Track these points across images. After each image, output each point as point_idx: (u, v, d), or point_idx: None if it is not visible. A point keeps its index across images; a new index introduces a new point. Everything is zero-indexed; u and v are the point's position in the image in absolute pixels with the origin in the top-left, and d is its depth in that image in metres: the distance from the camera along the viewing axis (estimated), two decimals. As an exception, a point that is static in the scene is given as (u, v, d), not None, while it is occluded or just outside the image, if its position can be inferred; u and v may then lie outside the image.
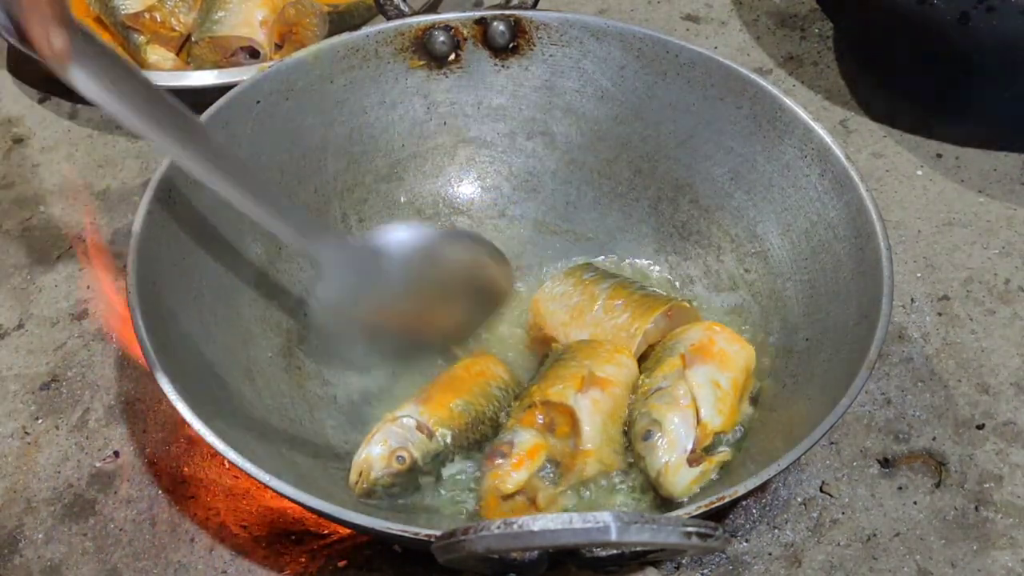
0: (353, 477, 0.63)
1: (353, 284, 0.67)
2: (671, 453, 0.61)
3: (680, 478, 0.61)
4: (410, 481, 0.63)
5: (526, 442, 0.62)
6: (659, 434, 0.62)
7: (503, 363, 0.70)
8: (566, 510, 0.63)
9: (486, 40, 0.79)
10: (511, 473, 0.61)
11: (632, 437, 0.64)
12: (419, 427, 0.64)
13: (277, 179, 0.75)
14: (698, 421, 0.62)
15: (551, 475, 0.62)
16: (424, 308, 0.72)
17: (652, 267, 0.78)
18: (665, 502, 0.62)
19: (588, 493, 0.63)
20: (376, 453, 0.62)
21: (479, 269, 0.73)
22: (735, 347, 0.67)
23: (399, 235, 0.69)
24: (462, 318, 0.73)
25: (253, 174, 0.64)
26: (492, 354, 0.71)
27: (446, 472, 0.65)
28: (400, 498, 0.63)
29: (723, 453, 0.62)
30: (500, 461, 0.62)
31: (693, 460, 0.61)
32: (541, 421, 0.64)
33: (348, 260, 0.67)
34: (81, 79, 0.56)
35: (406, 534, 0.53)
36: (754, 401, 0.67)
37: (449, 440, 0.64)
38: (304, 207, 0.68)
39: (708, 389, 0.63)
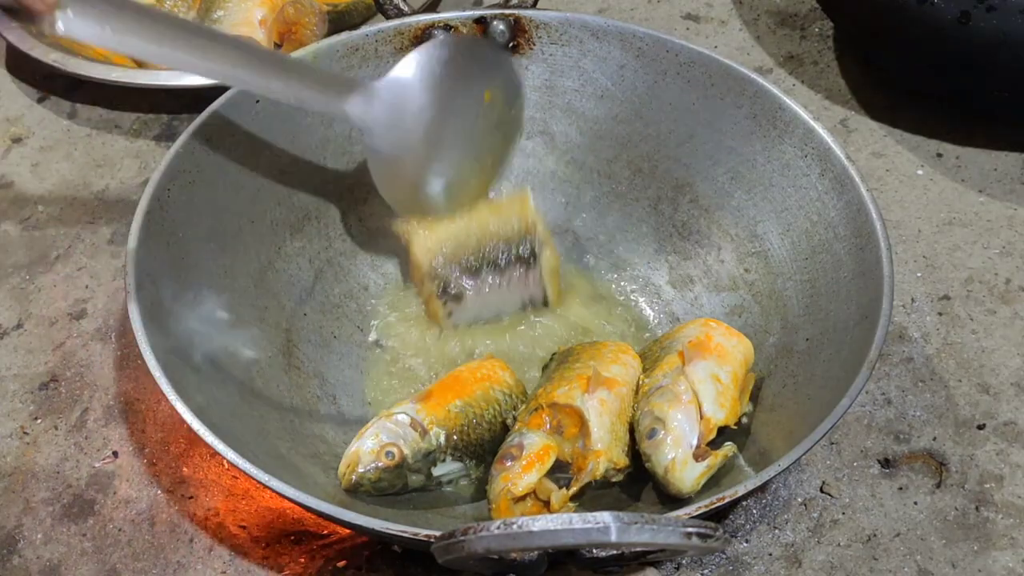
0: (342, 469, 0.63)
1: (396, 129, 0.68)
2: (676, 449, 0.61)
3: (687, 474, 0.60)
4: (398, 478, 0.63)
5: (535, 444, 0.62)
6: (663, 431, 0.62)
7: (509, 368, 0.70)
8: (580, 508, 0.62)
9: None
10: (522, 475, 0.61)
11: (637, 437, 0.63)
12: (413, 424, 0.64)
13: (277, 178, 0.75)
14: (701, 416, 0.62)
15: (562, 477, 0.62)
16: (465, 129, 0.72)
17: (652, 268, 0.78)
18: (670, 500, 0.62)
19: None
20: (366, 447, 0.63)
21: (495, 72, 0.73)
22: (732, 341, 0.67)
23: (410, 63, 0.68)
24: (497, 137, 0.74)
25: (260, 53, 0.64)
26: (499, 359, 0.71)
27: (436, 472, 0.65)
28: (387, 494, 0.63)
29: (728, 447, 0.62)
30: (510, 463, 0.61)
31: (699, 455, 0.61)
32: (549, 423, 0.63)
33: (384, 106, 0.67)
34: (72, 24, 0.55)
35: (406, 534, 0.53)
36: (753, 397, 0.67)
37: (442, 440, 0.64)
38: (316, 69, 0.67)
39: (709, 384, 0.63)
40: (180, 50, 0.59)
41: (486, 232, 0.74)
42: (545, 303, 0.74)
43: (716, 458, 0.61)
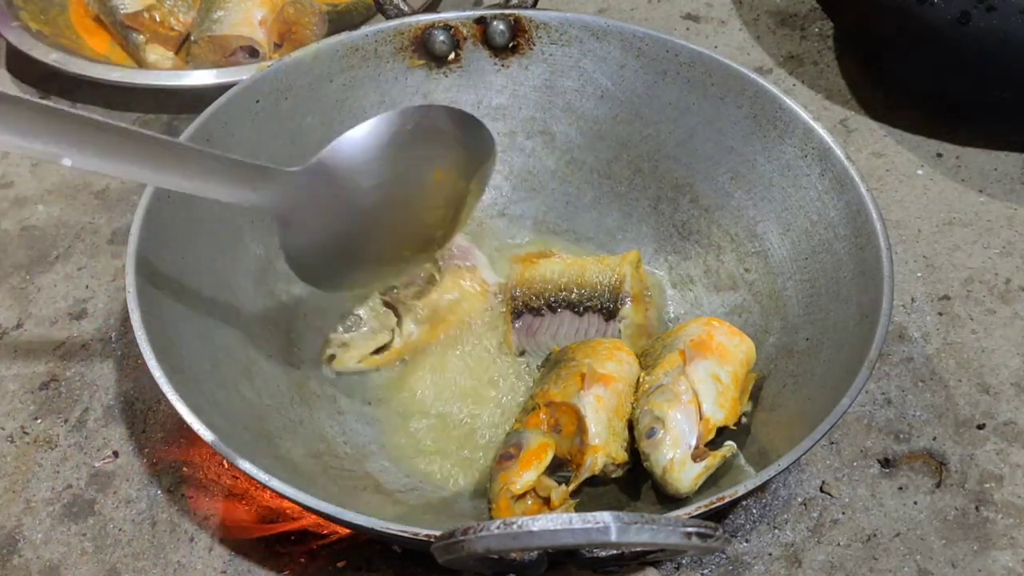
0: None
1: (319, 219, 0.60)
2: (675, 449, 0.61)
3: (685, 474, 0.60)
4: None
5: (533, 442, 0.62)
6: (662, 431, 0.62)
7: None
8: (580, 507, 0.63)
9: (486, 39, 0.79)
10: (520, 473, 0.61)
11: (636, 435, 0.64)
12: None
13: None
14: (700, 416, 0.62)
15: (563, 475, 0.62)
16: (403, 212, 0.64)
17: (652, 268, 0.78)
18: (668, 499, 0.62)
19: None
20: None
21: (453, 149, 0.65)
22: (734, 340, 0.67)
23: (347, 142, 0.60)
24: (446, 211, 0.66)
25: (148, 142, 0.54)
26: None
27: None
28: None
29: (727, 447, 0.62)
30: (508, 462, 0.61)
31: (697, 455, 0.61)
32: (546, 422, 0.63)
33: (304, 196, 0.59)
34: None
35: (406, 534, 0.53)
36: (753, 397, 0.67)
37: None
38: (221, 156, 0.57)
39: (709, 384, 0.63)
40: (61, 144, 0.51)
41: (579, 277, 0.73)
42: None
43: (715, 459, 0.61)
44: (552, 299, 0.73)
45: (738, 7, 1.04)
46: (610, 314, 0.72)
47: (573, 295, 0.73)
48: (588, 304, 0.72)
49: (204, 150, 0.59)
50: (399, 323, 0.72)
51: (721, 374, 0.64)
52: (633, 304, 0.72)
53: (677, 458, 0.61)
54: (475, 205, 0.70)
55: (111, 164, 0.53)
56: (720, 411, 0.63)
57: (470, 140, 0.67)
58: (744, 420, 0.66)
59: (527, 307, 0.73)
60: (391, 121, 0.62)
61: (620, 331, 0.72)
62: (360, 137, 0.61)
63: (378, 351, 0.72)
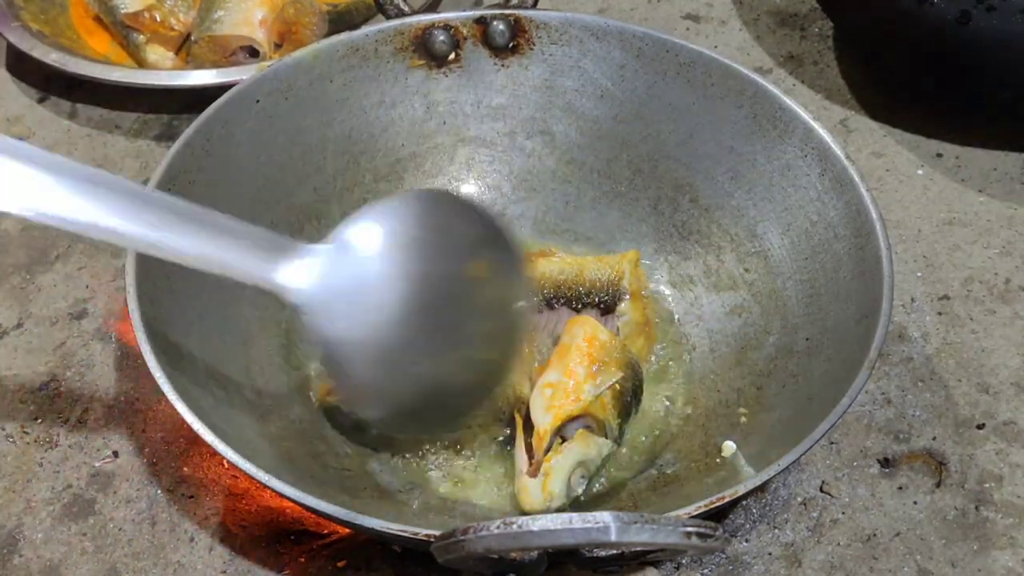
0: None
1: (351, 304, 0.51)
2: (517, 481, 0.63)
3: (531, 494, 0.61)
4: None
5: None
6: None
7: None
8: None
9: (486, 39, 0.79)
10: None
11: None
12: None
13: (277, 178, 0.75)
14: (533, 433, 0.63)
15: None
16: (444, 316, 0.55)
17: (652, 268, 0.78)
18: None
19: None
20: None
21: (480, 245, 0.56)
22: (571, 332, 0.67)
23: (371, 219, 0.52)
24: (494, 325, 0.58)
25: (157, 203, 0.48)
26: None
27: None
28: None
29: (577, 434, 0.62)
30: None
31: (531, 472, 0.62)
32: None
33: (329, 277, 0.50)
34: None
35: (406, 534, 0.53)
36: (753, 395, 0.66)
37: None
38: (238, 224, 0.49)
39: (537, 401, 0.64)
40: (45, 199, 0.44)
41: (577, 275, 0.73)
42: None
43: (549, 459, 0.61)
44: (551, 296, 0.73)
45: (738, 7, 1.04)
46: (607, 309, 0.72)
47: (571, 292, 0.73)
48: (586, 301, 0.72)
49: (217, 215, 0.50)
50: None
51: (551, 378, 0.65)
52: (631, 301, 0.72)
53: (519, 487, 0.62)
54: (522, 335, 0.62)
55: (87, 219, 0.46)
56: (547, 414, 0.63)
57: (498, 237, 0.58)
58: (743, 420, 0.66)
59: None
60: (410, 203, 0.55)
61: (619, 328, 0.72)
62: (383, 215, 0.53)
63: None
